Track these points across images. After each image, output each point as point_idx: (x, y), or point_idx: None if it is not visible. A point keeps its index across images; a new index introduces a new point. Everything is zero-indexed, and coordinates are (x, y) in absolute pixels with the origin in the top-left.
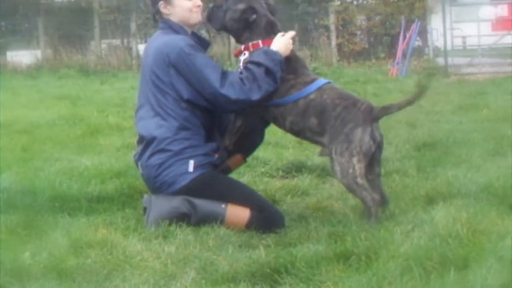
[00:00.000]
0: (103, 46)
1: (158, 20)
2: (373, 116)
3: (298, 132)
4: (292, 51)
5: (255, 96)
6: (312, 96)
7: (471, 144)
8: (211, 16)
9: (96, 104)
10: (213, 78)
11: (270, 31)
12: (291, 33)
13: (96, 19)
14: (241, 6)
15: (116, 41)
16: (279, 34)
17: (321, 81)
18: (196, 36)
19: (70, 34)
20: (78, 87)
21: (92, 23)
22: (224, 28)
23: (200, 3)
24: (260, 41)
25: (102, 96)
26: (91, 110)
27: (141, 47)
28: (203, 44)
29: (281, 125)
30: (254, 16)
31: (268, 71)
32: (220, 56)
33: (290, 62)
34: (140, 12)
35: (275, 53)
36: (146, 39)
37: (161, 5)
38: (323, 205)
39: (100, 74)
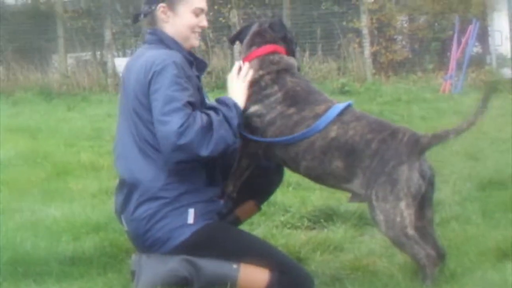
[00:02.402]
0: (70, 61)
1: (141, 24)
2: (420, 147)
3: (317, 178)
4: (288, 68)
5: (204, 150)
6: (332, 134)
7: None
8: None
9: (63, 136)
10: (173, 116)
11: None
12: (245, 68)
13: (60, 27)
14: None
15: (86, 55)
16: (232, 72)
17: (338, 107)
18: (192, 56)
19: (27, 46)
20: (39, 115)
21: (54, 32)
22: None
23: (205, 23)
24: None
25: (70, 126)
26: (56, 145)
27: (119, 62)
28: (200, 65)
29: (294, 170)
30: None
31: (226, 118)
32: (221, 70)
33: (286, 90)
34: (116, 16)
35: (228, 99)
36: (125, 51)
37: (160, 9)
38: (362, 263)
39: (66, 97)
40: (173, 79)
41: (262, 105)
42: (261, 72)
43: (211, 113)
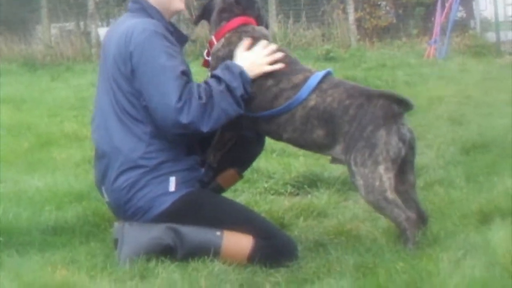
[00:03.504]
0: (53, 31)
1: None
2: (395, 111)
3: (301, 147)
4: (262, 38)
5: (204, 126)
6: (311, 103)
7: None
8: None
9: (47, 107)
10: (172, 86)
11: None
12: (272, 47)
13: None
14: None
15: (70, 25)
16: (260, 44)
17: (317, 76)
18: (173, 27)
19: (10, 17)
20: (23, 86)
21: (38, 2)
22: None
23: None
24: (213, 36)
25: (54, 97)
26: (40, 116)
27: (102, 32)
28: (180, 38)
29: (277, 140)
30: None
31: (229, 89)
32: (205, 38)
33: None
34: None
35: (235, 66)
36: (109, 21)
37: None
38: (346, 228)
39: (50, 68)
40: (161, 48)
41: None
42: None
43: (213, 83)
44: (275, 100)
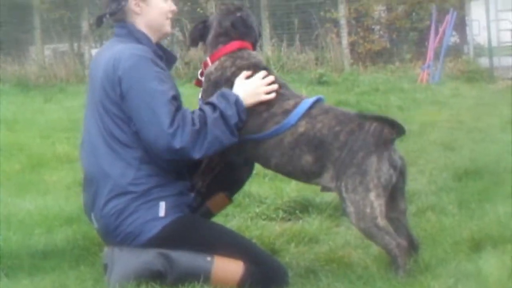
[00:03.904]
0: (47, 52)
1: (113, 22)
2: (386, 137)
3: (288, 174)
4: (257, 64)
5: (197, 153)
6: (301, 129)
7: None
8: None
9: (39, 128)
10: (163, 111)
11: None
12: (271, 78)
13: (37, 18)
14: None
15: (64, 46)
16: (259, 74)
17: (307, 102)
18: (161, 49)
19: (4, 38)
20: (16, 106)
21: (31, 23)
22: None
23: (175, 8)
24: (208, 57)
25: (47, 118)
26: (32, 137)
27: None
28: (170, 59)
29: (264, 166)
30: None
31: (223, 117)
32: (199, 60)
33: None
34: (93, 7)
35: (231, 94)
36: (102, 42)
37: (133, 2)
38: (337, 255)
39: (43, 89)
40: (150, 73)
41: None
42: (233, 69)
43: (207, 110)
44: (265, 124)
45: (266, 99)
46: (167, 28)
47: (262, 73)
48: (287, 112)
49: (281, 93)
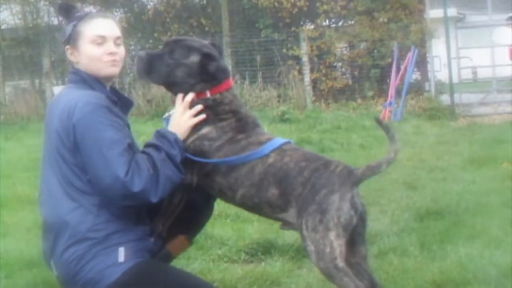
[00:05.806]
0: (8, 90)
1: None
2: (353, 179)
3: (253, 208)
4: (237, 104)
5: (153, 196)
6: (270, 160)
7: (488, 210)
8: (151, 70)
9: (0, 168)
10: (120, 161)
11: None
12: (187, 99)
13: None
14: (194, 58)
15: (25, 83)
16: (177, 101)
17: (279, 140)
18: (115, 94)
19: None
20: None
21: None
22: (170, 84)
23: (113, 49)
24: (207, 90)
25: (7, 157)
26: None
27: (57, 90)
28: (125, 104)
29: (229, 199)
30: (215, 63)
31: (169, 156)
32: (161, 98)
33: (239, 119)
34: (55, 44)
35: (169, 133)
36: (64, 79)
37: (68, 51)
38: None
39: (4, 127)
40: (105, 121)
41: (215, 128)
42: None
43: (152, 152)
44: (242, 151)
45: (197, 122)
46: (107, 70)
47: (178, 98)
48: (261, 144)
49: (260, 130)
